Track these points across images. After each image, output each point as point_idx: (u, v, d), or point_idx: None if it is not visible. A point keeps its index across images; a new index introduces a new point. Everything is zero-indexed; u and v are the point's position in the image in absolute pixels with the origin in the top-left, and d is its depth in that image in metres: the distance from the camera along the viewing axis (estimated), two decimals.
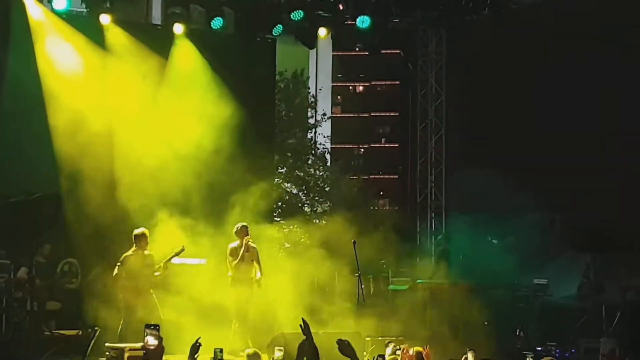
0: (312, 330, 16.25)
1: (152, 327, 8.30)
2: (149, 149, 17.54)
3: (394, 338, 15.16)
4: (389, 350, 13.53)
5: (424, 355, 12.17)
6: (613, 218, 22.24)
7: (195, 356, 8.86)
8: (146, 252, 15.28)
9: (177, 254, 15.49)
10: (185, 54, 18.79)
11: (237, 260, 15.92)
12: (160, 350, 8.27)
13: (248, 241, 15.97)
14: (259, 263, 16.06)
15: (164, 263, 15.34)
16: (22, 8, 17.16)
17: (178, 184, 17.39)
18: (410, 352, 12.38)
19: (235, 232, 16.06)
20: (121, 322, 15.04)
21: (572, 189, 22.75)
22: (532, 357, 11.73)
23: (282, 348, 12.39)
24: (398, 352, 13.02)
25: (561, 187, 23.10)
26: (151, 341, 8.23)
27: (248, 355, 11.86)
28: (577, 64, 23.35)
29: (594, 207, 22.60)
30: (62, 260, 17.17)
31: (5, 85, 16.85)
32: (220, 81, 18.62)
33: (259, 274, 16.01)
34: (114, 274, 15.13)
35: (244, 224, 16.12)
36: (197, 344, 8.86)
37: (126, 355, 13.78)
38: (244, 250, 15.94)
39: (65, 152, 16.92)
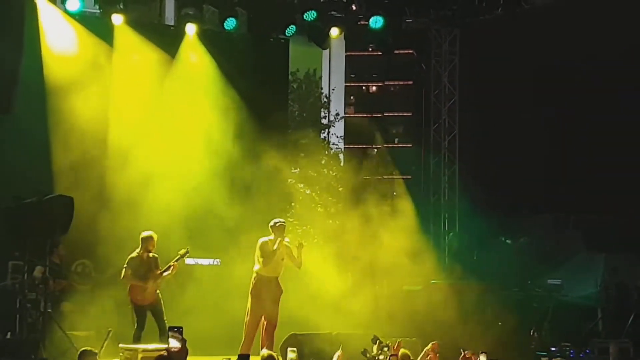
0: (325, 331, 16.33)
1: (175, 330, 8.23)
2: (161, 150, 17.58)
3: (407, 339, 15.15)
4: (375, 348, 13.51)
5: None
6: (627, 218, 22.16)
7: None
8: (151, 254, 15.34)
9: (182, 256, 15.51)
10: (196, 54, 18.79)
11: (267, 256, 15.25)
12: (184, 352, 8.22)
13: (283, 240, 15.24)
14: (294, 260, 15.40)
15: (168, 265, 15.39)
16: (36, 10, 17.19)
17: (189, 185, 17.39)
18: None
19: (271, 227, 15.34)
20: (135, 324, 15.14)
21: (586, 189, 22.67)
22: (546, 358, 11.69)
23: (295, 349, 12.39)
24: (385, 349, 12.98)
25: (575, 187, 23.02)
26: (174, 344, 8.17)
27: (263, 358, 11.84)
28: (590, 62, 23.26)
29: (609, 207, 22.52)
30: (75, 262, 17.21)
31: (18, 88, 16.88)
32: (233, 82, 18.63)
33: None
34: (122, 276, 15.23)
35: (282, 220, 15.46)
36: None
37: (139, 356, 13.81)
38: (276, 248, 15.21)
39: (77, 155, 16.96)
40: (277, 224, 15.38)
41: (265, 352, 12.75)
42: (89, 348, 11.40)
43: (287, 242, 15.39)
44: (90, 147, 17.12)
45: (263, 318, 15.44)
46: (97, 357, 11.27)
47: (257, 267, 15.39)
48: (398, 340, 12.65)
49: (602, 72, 23.09)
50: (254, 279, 15.42)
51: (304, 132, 25.07)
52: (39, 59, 17.11)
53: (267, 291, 15.42)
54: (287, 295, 16.47)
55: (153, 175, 17.30)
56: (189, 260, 16.59)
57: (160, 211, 16.70)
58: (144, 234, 15.36)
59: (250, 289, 15.48)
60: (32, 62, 16.99)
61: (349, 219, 18.83)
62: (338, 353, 12.42)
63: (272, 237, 15.36)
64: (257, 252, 15.38)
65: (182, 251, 15.50)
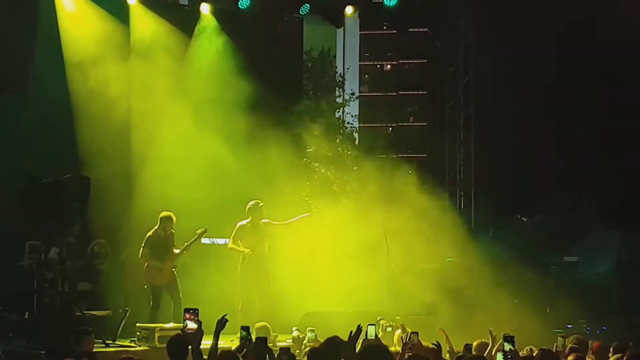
0: (341, 309, 16.38)
1: (192, 311, 8.31)
2: (175, 131, 17.56)
3: (423, 317, 15.19)
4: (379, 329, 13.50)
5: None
6: None
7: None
8: (168, 232, 15.44)
9: (200, 236, 15.65)
10: (211, 34, 18.76)
11: (245, 237, 15.81)
12: (199, 333, 8.29)
13: (259, 220, 15.82)
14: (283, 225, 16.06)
15: (186, 244, 15.49)
16: None
17: (206, 164, 17.40)
18: (398, 331, 12.24)
19: (248, 210, 15.91)
20: (150, 302, 15.24)
21: (603, 166, 22.57)
22: (562, 336, 11.67)
23: (313, 328, 12.43)
24: (389, 329, 12.98)
25: (592, 164, 22.92)
26: (190, 325, 8.24)
27: (257, 329, 11.96)
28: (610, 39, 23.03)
29: (625, 184, 22.42)
30: (92, 241, 17.27)
31: (33, 70, 16.90)
32: (247, 61, 18.59)
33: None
34: (139, 255, 15.35)
35: (257, 201, 15.97)
36: (224, 320, 8.88)
37: (157, 335, 13.91)
38: (253, 229, 15.80)
39: (94, 134, 16.97)
40: (252, 206, 15.83)
41: (259, 323, 12.89)
42: (85, 327, 11.48)
43: (266, 221, 15.85)
44: (110, 127, 17.12)
45: (256, 297, 15.64)
46: (93, 336, 11.39)
47: (241, 250, 15.84)
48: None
49: (621, 49, 22.88)
50: (240, 260, 15.81)
51: (319, 111, 25.06)
52: (56, 40, 17.10)
53: (254, 271, 15.67)
54: (302, 274, 16.57)
55: (170, 154, 17.33)
56: (205, 240, 16.67)
57: (177, 190, 16.73)
58: (163, 213, 15.47)
59: (238, 270, 15.78)
60: (49, 43, 17.00)
61: (364, 198, 18.84)
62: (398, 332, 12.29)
63: (248, 220, 15.65)
64: (234, 234, 15.85)
65: (200, 230, 15.64)
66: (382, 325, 13.11)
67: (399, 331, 12.19)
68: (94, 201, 15.30)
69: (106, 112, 17.08)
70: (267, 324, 12.89)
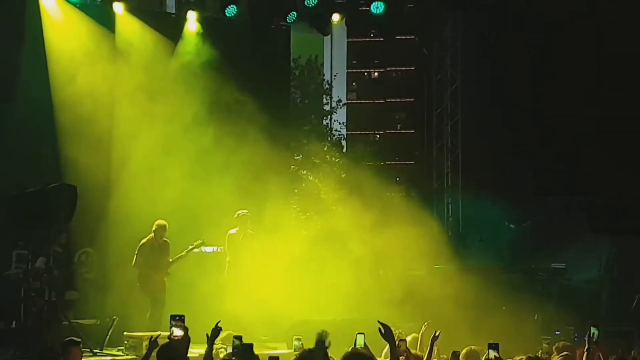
0: (331, 317, 16.37)
1: (178, 318, 8.30)
2: (160, 139, 17.50)
3: (411, 324, 15.14)
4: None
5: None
6: (633, 200, 22.10)
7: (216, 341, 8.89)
8: (162, 240, 15.47)
9: (195, 247, 15.71)
10: (197, 42, 18.72)
11: (234, 246, 16.16)
12: (186, 340, 8.28)
13: (247, 229, 16.16)
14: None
15: (181, 255, 15.55)
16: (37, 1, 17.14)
17: (193, 173, 17.36)
18: (409, 337, 12.17)
19: (236, 219, 16.26)
20: (149, 311, 15.27)
21: (591, 171, 22.59)
22: (547, 343, 11.68)
23: (300, 337, 12.39)
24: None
25: (580, 169, 22.95)
26: (177, 332, 8.23)
27: (221, 339, 11.92)
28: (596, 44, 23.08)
29: (613, 189, 22.45)
30: (79, 250, 17.21)
31: (20, 78, 16.85)
32: (234, 69, 18.56)
33: None
34: (133, 262, 15.38)
35: (245, 211, 16.28)
36: (217, 329, 8.87)
37: (144, 343, 13.87)
38: (241, 238, 16.15)
39: (78, 142, 16.91)
40: (239, 215, 16.21)
41: (225, 332, 12.90)
42: (72, 338, 11.47)
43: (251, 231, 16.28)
44: (95, 135, 17.07)
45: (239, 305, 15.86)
46: (81, 346, 11.36)
47: (227, 257, 16.31)
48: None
49: (608, 54, 22.94)
50: (226, 269, 16.31)
51: (306, 119, 25.10)
52: (42, 47, 17.05)
53: (239, 280, 16.10)
54: (290, 282, 16.56)
55: (157, 163, 17.27)
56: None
57: (165, 198, 16.70)
58: (158, 222, 15.56)
59: (224, 278, 16.27)
60: (35, 50, 16.95)
61: (352, 205, 18.83)
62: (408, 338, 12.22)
63: (237, 229, 15.92)
64: (225, 245, 16.34)
65: (198, 242, 15.79)
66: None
67: (409, 338, 12.18)
68: (80, 210, 15.26)
69: (91, 120, 17.03)
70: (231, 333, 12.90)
